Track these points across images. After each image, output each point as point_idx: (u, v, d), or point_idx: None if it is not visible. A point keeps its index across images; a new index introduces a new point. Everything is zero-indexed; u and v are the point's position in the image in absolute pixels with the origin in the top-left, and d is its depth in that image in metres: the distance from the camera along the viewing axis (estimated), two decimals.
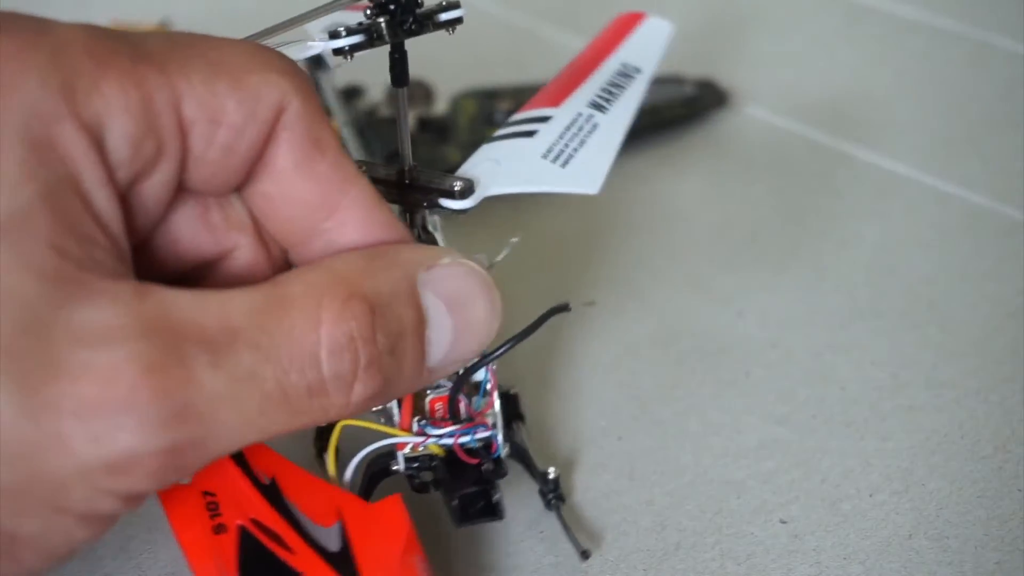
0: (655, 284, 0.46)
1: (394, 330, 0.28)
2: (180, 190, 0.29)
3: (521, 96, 0.53)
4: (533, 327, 0.34)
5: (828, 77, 0.59)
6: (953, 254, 0.47)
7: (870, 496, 0.37)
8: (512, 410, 0.39)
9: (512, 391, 0.39)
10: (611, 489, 0.38)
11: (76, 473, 0.25)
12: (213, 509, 0.32)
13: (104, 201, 0.27)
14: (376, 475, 0.35)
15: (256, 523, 0.31)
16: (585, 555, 0.35)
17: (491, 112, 0.52)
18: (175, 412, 0.26)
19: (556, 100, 0.37)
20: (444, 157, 0.49)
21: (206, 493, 0.32)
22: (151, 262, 0.30)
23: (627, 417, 0.40)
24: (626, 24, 0.42)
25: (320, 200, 0.30)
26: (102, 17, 0.42)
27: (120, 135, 0.27)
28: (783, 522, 0.37)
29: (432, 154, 0.49)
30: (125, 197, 0.28)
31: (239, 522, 0.31)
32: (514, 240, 0.34)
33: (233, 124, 0.28)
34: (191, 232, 0.30)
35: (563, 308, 0.34)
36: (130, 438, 0.25)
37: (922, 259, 0.47)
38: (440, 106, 0.53)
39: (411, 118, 0.51)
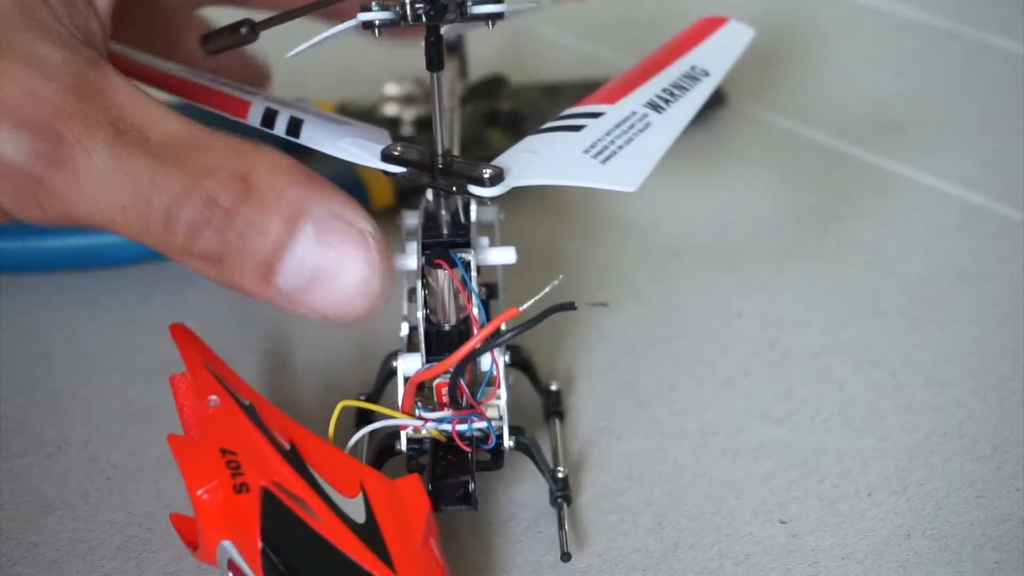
0: (653, 284, 0.46)
1: (255, 222, 0.31)
2: None
3: (521, 96, 0.53)
4: (535, 321, 0.33)
5: (826, 77, 0.59)
6: (952, 254, 0.47)
7: (868, 496, 0.37)
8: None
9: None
10: (609, 489, 0.38)
11: None
12: (235, 468, 0.31)
13: None
14: (383, 452, 0.35)
15: (280, 487, 0.31)
16: (565, 557, 0.35)
17: (491, 112, 0.52)
18: (56, 154, 0.29)
19: (614, 97, 0.37)
20: None
21: (225, 451, 0.31)
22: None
23: (625, 417, 0.40)
24: (706, 27, 0.41)
25: None
26: None
27: None
28: (782, 522, 0.37)
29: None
30: None
31: (263, 483, 0.31)
32: (559, 278, 0.35)
33: None
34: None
35: (568, 306, 0.34)
36: (11, 148, 0.29)
37: (921, 259, 0.47)
38: None
39: (409, 119, 0.51)
